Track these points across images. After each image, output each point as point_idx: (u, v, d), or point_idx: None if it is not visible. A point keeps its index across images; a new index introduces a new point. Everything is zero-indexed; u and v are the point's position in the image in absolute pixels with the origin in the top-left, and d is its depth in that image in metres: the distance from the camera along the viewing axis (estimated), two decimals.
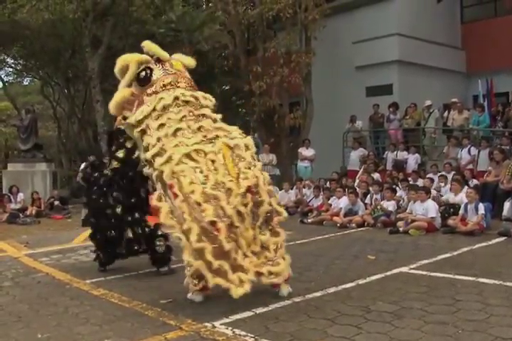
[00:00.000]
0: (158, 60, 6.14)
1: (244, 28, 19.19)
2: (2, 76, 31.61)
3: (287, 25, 18.04)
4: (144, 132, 5.78)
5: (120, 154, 7.21)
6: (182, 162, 5.28)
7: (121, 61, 6.12)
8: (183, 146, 5.40)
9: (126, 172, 7.14)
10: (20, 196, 16.18)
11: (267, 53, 17.83)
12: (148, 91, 5.92)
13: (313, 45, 18.18)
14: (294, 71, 17.48)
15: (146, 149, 5.67)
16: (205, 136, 5.58)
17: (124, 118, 6.22)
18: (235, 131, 5.85)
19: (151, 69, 6.01)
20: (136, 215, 7.21)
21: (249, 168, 5.44)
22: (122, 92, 6.10)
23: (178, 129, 5.58)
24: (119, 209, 7.14)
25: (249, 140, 5.77)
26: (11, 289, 6.72)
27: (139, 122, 5.80)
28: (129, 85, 6.10)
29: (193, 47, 21.55)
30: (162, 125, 5.62)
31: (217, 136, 5.60)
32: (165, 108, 5.72)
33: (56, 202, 16.43)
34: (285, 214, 5.82)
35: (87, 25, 20.52)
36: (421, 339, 4.30)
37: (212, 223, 4.95)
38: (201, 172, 5.25)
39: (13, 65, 30.30)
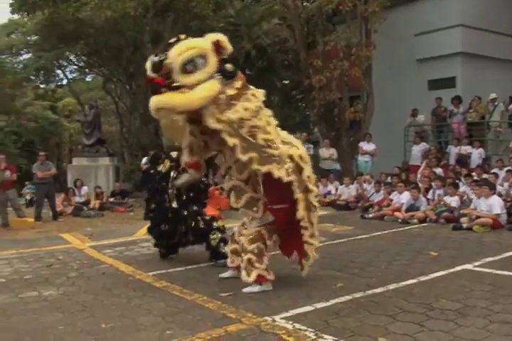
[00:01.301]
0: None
1: (303, 22, 19.01)
2: (66, 73, 32.52)
3: (347, 18, 17.84)
4: (251, 130, 5.55)
5: (174, 154, 7.35)
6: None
7: (192, 46, 5.44)
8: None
9: (184, 169, 7.22)
10: (85, 189, 16.58)
11: (326, 47, 17.68)
12: (234, 86, 5.55)
13: (373, 37, 17.92)
14: (354, 64, 17.26)
15: (266, 146, 5.60)
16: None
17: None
18: None
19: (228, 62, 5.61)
20: (194, 208, 7.30)
21: None
22: (214, 85, 5.41)
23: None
24: (175, 204, 7.26)
25: None
26: (76, 279, 6.91)
27: (242, 120, 5.50)
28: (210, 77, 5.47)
29: (252, 41, 21.60)
30: (268, 123, 5.72)
31: None
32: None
33: (118, 196, 16.77)
34: None
35: (148, 22, 20.83)
36: (486, 339, 4.20)
37: None
38: None
39: (76, 62, 31.05)
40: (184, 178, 6.31)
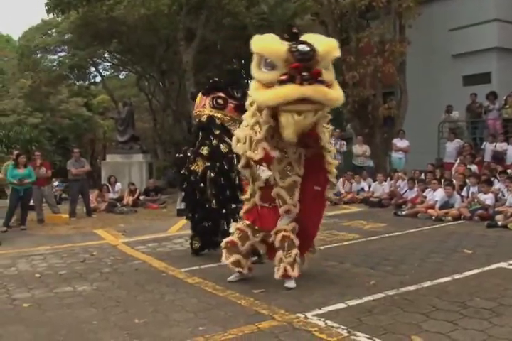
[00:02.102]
0: None
1: (336, 18, 18.88)
2: (100, 70, 32.88)
3: (381, 13, 17.68)
4: None
5: (204, 151, 7.35)
6: None
7: (336, 46, 5.52)
8: None
9: (220, 168, 7.25)
10: (118, 186, 16.74)
11: (360, 43, 17.56)
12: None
13: (407, 33, 17.74)
14: (388, 60, 17.10)
15: None
16: None
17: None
18: None
19: None
20: (233, 206, 7.33)
21: None
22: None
23: None
24: (214, 203, 7.30)
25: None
26: (110, 275, 6.99)
27: None
28: None
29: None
30: None
31: None
32: None
33: (151, 193, 16.89)
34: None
35: (181, 19, 20.92)
36: None
37: None
38: None
39: (110, 60, 31.38)
40: (267, 173, 6.25)
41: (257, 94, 5.46)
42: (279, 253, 5.82)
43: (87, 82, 36.00)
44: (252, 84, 5.54)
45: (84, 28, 23.63)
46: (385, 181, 14.75)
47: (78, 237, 10.60)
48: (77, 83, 34.54)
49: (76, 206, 14.27)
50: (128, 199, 16.10)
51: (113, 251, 8.90)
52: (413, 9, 16.86)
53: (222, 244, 6.22)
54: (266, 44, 5.35)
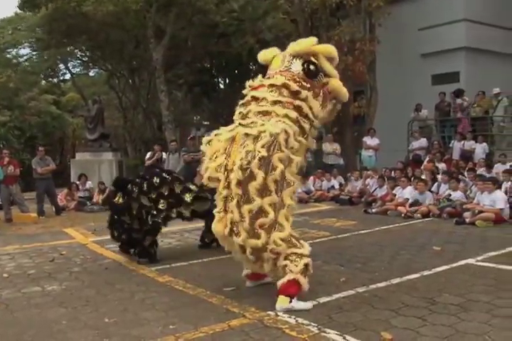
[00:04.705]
0: None
1: (307, 16, 18.99)
2: (70, 67, 32.51)
3: (351, 12, 17.83)
4: None
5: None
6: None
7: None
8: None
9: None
10: (89, 184, 16.58)
11: (330, 41, 17.63)
12: None
13: (377, 32, 17.91)
14: (358, 59, 17.24)
15: None
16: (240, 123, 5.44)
17: None
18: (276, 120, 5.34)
19: None
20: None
21: (247, 160, 5.00)
22: None
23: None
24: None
25: (271, 129, 5.06)
26: (79, 274, 6.92)
27: None
28: None
29: (256, 36, 21.54)
30: None
31: (252, 122, 5.34)
32: None
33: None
34: (271, 216, 4.98)
35: (151, 16, 20.79)
36: (488, 333, 4.20)
37: None
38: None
39: (80, 57, 31.06)
40: None
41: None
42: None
43: (56, 80, 35.58)
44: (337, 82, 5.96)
45: (53, 23, 23.29)
46: (360, 178, 14.85)
47: (47, 236, 10.47)
48: (47, 81, 34.10)
49: (43, 205, 14.08)
50: (98, 198, 15.95)
51: (83, 250, 8.81)
52: (383, 8, 17.05)
53: None
54: None
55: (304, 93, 5.54)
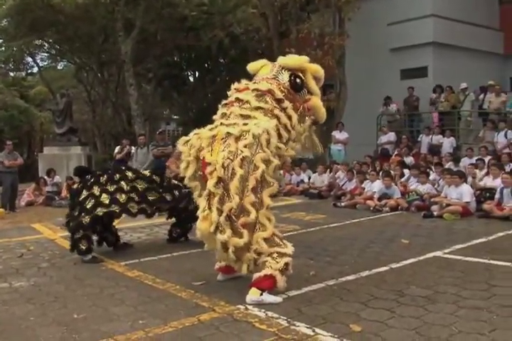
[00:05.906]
0: None
1: (277, 10, 18.98)
2: (37, 61, 32.05)
3: (321, 6, 17.86)
4: None
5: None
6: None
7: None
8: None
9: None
10: (57, 179, 16.40)
11: (300, 34, 17.67)
12: None
13: (347, 26, 17.98)
14: (328, 53, 17.28)
15: None
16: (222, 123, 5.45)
17: None
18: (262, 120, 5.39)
19: None
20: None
21: (229, 159, 5.05)
22: None
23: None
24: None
25: (254, 129, 5.08)
26: (48, 270, 6.84)
27: None
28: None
29: (225, 30, 21.48)
30: None
31: (234, 124, 5.35)
32: None
33: None
34: (253, 215, 4.99)
35: (120, 9, 20.61)
36: (455, 324, 4.26)
37: None
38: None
39: (47, 50, 30.63)
40: None
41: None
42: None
43: (23, 73, 35.05)
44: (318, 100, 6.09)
45: (20, 15, 22.93)
46: (325, 173, 14.93)
47: (14, 232, 10.34)
48: (13, 74, 33.61)
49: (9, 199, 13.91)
50: (66, 193, 15.77)
51: (51, 245, 8.71)
52: (352, 3, 17.09)
53: None
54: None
55: (287, 103, 5.62)
